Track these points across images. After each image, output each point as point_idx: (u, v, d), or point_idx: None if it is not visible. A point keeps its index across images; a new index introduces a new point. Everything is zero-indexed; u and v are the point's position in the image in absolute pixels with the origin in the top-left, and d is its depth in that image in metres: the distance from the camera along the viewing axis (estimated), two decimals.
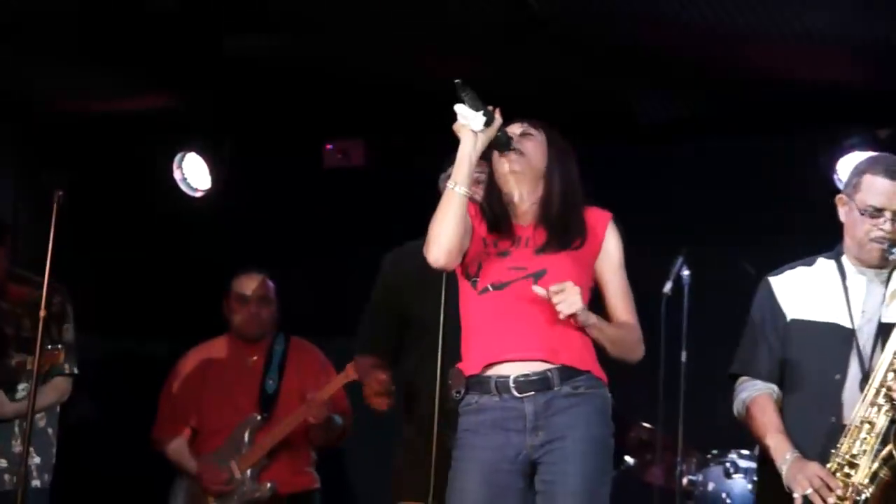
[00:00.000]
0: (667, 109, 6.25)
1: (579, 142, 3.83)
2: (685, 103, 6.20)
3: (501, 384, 3.65)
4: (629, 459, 5.83)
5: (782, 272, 4.02)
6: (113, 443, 6.50)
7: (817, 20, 5.12)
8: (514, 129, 3.77)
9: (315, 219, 6.74)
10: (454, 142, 3.67)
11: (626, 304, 3.78)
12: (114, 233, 6.66)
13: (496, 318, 3.67)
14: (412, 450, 4.35)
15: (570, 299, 3.55)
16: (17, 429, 5.00)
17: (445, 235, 3.62)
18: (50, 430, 5.14)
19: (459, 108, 3.60)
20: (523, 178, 3.75)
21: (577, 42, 5.49)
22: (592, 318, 3.64)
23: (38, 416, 5.02)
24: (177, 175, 6.72)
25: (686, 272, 5.50)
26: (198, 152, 6.70)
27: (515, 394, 3.63)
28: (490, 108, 3.62)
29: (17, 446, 4.98)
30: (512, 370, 3.64)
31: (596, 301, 3.78)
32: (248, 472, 5.35)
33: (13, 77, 5.95)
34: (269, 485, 5.33)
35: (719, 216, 6.06)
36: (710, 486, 5.66)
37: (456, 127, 3.64)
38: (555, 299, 3.55)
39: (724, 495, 5.62)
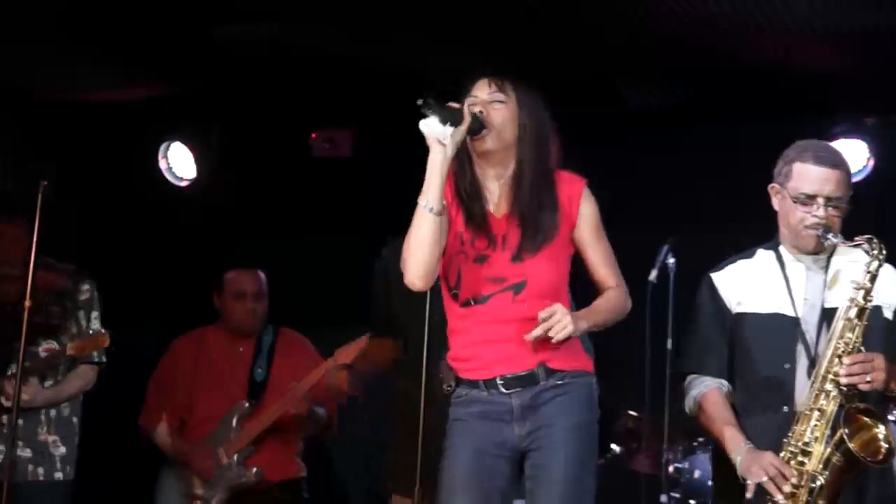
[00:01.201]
0: (654, 97, 6.25)
1: (567, 128, 3.82)
2: (673, 91, 6.21)
3: (489, 382, 3.69)
4: (615, 447, 5.85)
5: (723, 267, 4.05)
6: (100, 432, 6.49)
7: (804, 8, 5.13)
8: (482, 94, 3.70)
9: (302, 208, 6.73)
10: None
11: (608, 267, 3.80)
12: (100, 222, 6.65)
13: (482, 333, 3.69)
14: (405, 446, 4.35)
15: (560, 325, 3.55)
16: (43, 417, 4.99)
17: (422, 260, 3.61)
18: (75, 419, 5.12)
19: (425, 126, 3.55)
20: (494, 157, 3.70)
21: (566, 30, 5.49)
22: (583, 325, 3.64)
23: (63, 405, 5.01)
24: (162, 164, 6.72)
25: (672, 260, 5.51)
26: (183, 141, 6.69)
27: (503, 390, 3.68)
28: (455, 106, 3.58)
29: (41, 435, 4.97)
30: (495, 372, 3.69)
31: (577, 263, 3.81)
32: (235, 457, 5.37)
33: (0, 66, 5.93)
34: (255, 470, 5.36)
35: (705, 204, 6.07)
36: (697, 474, 5.69)
37: (423, 129, 3.58)
38: (546, 326, 3.55)
39: (710, 483, 5.63)
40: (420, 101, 3.51)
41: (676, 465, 5.69)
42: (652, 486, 5.63)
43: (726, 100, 6.14)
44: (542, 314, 3.56)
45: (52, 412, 4.99)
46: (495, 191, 3.74)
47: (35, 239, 4.59)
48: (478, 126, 3.62)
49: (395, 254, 4.65)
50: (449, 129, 3.53)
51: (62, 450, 5.02)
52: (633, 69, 5.96)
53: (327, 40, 5.73)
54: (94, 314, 5.13)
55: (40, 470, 4.95)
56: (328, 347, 5.37)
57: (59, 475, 5.01)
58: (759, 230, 4.07)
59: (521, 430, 3.67)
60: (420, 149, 4.02)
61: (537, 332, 3.56)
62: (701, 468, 5.69)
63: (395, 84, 5.98)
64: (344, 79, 6.09)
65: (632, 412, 5.76)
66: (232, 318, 5.61)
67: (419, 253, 3.60)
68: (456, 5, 5.26)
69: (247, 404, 5.45)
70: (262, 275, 5.65)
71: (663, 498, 5.53)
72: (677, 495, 5.66)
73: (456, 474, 3.69)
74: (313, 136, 6.78)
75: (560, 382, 3.67)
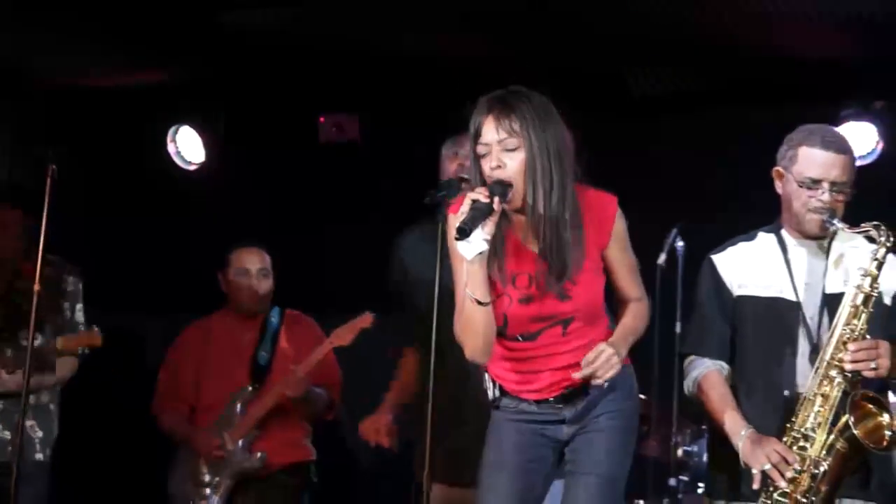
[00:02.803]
0: (661, 83, 6.24)
1: (573, 116, 3.80)
2: (679, 77, 6.19)
3: (540, 401, 3.73)
4: None
5: (724, 249, 4.06)
6: (107, 417, 6.52)
7: None
8: (492, 138, 3.51)
9: (310, 192, 6.73)
10: (448, 116, 3.63)
11: (633, 281, 3.78)
12: (108, 207, 6.66)
13: (532, 366, 3.70)
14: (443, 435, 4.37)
15: (608, 366, 3.54)
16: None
17: (479, 344, 3.61)
18: (52, 406, 5.20)
19: (467, 248, 3.44)
20: (513, 199, 3.54)
21: (570, 16, 5.47)
22: (623, 351, 3.64)
23: (42, 393, 5.06)
24: (171, 149, 6.72)
25: (680, 244, 5.51)
26: (192, 126, 6.69)
27: (556, 406, 3.72)
28: (482, 200, 3.42)
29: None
30: (548, 395, 3.72)
31: None
32: (240, 442, 5.37)
33: (8, 52, 5.93)
34: (259, 454, 5.36)
35: (713, 188, 6.06)
36: (705, 457, 5.68)
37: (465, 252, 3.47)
38: (591, 370, 3.54)
39: None
40: (457, 235, 3.40)
41: (685, 448, 5.69)
42: (660, 469, 5.63)
43: (734, 85, 6.12)
44: (588, 357, 3.54)
45: (31, 399, 4.98)
46: (525, 226, 3.62)
47: (44, 223, 4.59)
48: (503, 191, 3.48)
49: (410, 244, 4.67)
50: (484, 231, 3.44)
51: (39, 434, 5.10)
52: (640, 55, 5.94)
53: (335, 25, 5.72)
54: (79, 306, 5.18)
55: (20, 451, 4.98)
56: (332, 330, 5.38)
57: (39, 456, 5.10)
58: (768, 214, 4.06)
59: (570, 430, 3.73)
60: (427, 132, 4.01)
61: (584, 373, 3.56)
62: (707, 451, 5.69)
63: (402, 70, 5.99)
64: (352, 64, 6.08)
65: (640, 396, 5.75)
66: (236, 296, 5.60)
67: (474, 339, 3.60)
68: None
69: (250, 388, 5.46)
70: (265, 254, 5.64)
71: (672, 481, 5.54)
72: (686, 479, 5.66)
73: (500, 450, 3.74)
74: (321, 120, 6.78)
75: (608, 384, 3.67)
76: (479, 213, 3.41)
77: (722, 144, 6.11)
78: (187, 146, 6.72)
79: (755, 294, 3.93)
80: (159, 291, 6.66)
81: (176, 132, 6.71)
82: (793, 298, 3.87)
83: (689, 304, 5.40)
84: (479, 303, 3.52)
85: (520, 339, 3.67)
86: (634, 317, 3.76)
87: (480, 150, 3.54)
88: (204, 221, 6.75)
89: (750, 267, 3.96)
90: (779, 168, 3.95)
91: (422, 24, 5.63)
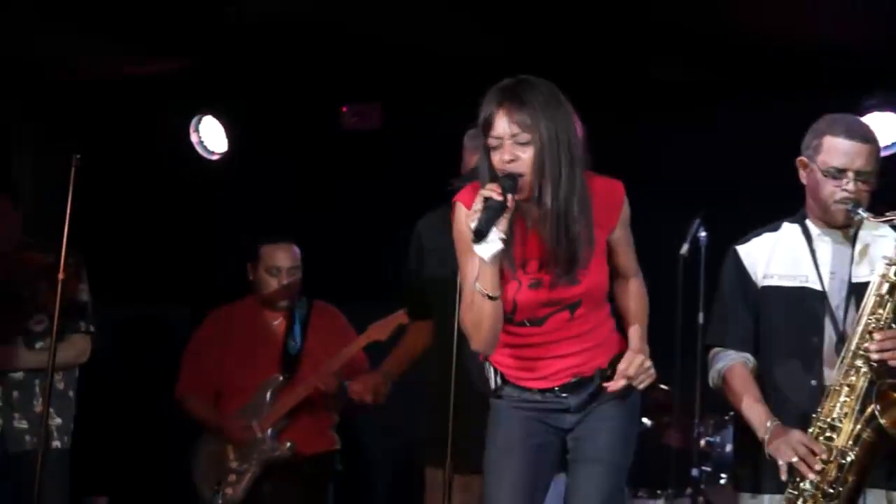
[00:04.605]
0: (684, 72, 6.21)
1: (596, 105, 3.78)
2: (702, 64, 6.17)
3: (545, 390, 3.73)
4: (646, 421, 5.84)
5: (748, 240, 4.04)
6: (133, 406, 6.54)
7: None
8: (504, 131, 3.47)
9: (333, 181, 6.74)
10: (470, 104, 3.62)
11: (634, 257, 3.80)
12: (131, 197, 6.68)
13: (538, 352, 3.70)
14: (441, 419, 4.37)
15: (643, 376, 3.59)
16: (37, 389, 5.05)
17: (485, 338, 3.58)
18: (70, 393, 5.20)
19: (485, 249, 3.41)
20: (522, 190, 3.51)
21: (592, 6, 5.46)
22: (647, 348, 3.67)
23: (57, 377, 5.05)
24: (193, 138, 6.73)
25: (703, 233, 5.49)
26: (214, 115, 6.70)
27: (560, 395, 3.72)
28: (495, 198, 3.39)
29: (37, 407, 5.03)
30: (554, 383, 3.72)
31: None
32: (269, 431, 5.39)
33: (31, 44, 5.95)
34: (289, 444, 5.37)
35: (737, 177, 6.03)
36: (728, 448, 5.68)
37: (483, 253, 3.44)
38: (630, 381, 3.58)
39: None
40: (474, 238, 3.38)
41: (708, 439, 5.69)
42: (683, 459, 5.62)
43: (757, 74, 6.10)
44: (621, 367, 3.57)
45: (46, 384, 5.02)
46: (536, 214, 3.58)
47: (68, 215, 4.61)
48: (513, 185, 3.45)
49: (428, 224, 4.69)
50: (499, 230, 3.41)
51: (57, 421, 5.10)
52: (662, 43, 5.93)
53: (357, 13, 5.72)
54: (81, 286, 5.16)
55: (37, 440, 4.96)
56: (359, 320, 5.38)
57: (56, 444, 5.09)
58: (792, 202, 4.04)
59: (574, 418, 3.73)
60: (449, 120, 4.00)
61: (620, 384, 3.58)
62: (732, 442, 5.67)
63: (423, 57, 5.99)
64: (373, 52, 6.08)
65: (663, 385, 5.74)
66: (266, 291, 5.60)
67: (482, 332, 3.57)
68: None
69: (280, 378, 5.46)
70: (296, 248, 5.64)
71: (694, 472, 5.53)
72: (708, 469, 5.66)
73: (507, 435, 3.73)
74: (343, 109, 6.78)
75: (610, 372, 3.68)
76: (493, 213, 3.39)
77: (745, 133, 6.09)
78: (210, 136, 6.73)
79: (780, 284, 3.91)
80: (183, 281, 6.67)
81: (199, 122, 6.72)
82: (818, 288, 3.85)
83: (712, 295, 5.43)
84: (490, 297, 3.50)
85: (527, 324, 3.66)
86: (640, 304, 3.80)
87: (492, 142, 3.51)
88: (227, 211, 6.76)
89: (774, 257, 3.95)
90: (803, 158, 3.93)
91: (443, 13, 5.62)
